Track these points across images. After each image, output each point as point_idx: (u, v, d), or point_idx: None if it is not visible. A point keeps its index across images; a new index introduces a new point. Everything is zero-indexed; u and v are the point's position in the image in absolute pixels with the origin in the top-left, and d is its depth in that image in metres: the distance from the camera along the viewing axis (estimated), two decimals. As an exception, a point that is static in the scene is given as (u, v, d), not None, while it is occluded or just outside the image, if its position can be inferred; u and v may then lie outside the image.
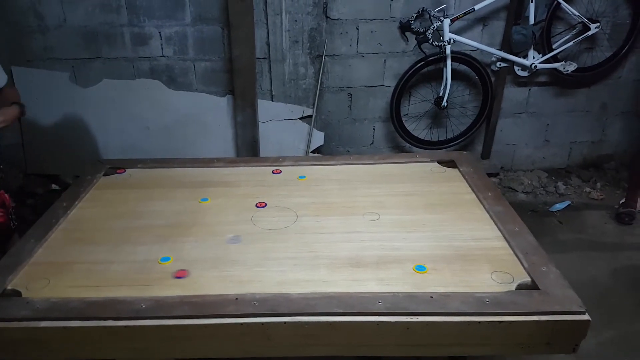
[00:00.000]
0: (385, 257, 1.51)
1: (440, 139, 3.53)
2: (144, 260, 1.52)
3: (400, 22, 3.21)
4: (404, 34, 3.25)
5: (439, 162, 2.15)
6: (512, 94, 3.50)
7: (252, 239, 1.62)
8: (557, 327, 1.26)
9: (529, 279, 1.39)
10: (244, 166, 2.18)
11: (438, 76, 3.30)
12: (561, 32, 3.28)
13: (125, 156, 3.21)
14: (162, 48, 3.23)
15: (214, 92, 3.36)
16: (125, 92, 3.31)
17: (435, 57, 3.15)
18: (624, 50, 3.32)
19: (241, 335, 1.29)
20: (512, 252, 1.52)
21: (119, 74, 3.28)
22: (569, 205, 3.37)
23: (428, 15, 3.11)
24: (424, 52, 3.17)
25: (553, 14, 3.19)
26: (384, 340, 1.30)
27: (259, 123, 3.36)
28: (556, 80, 3.45)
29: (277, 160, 2.20)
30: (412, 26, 3.14)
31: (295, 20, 3.16)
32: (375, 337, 1.29)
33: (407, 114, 3.48)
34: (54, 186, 3.47)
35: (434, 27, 3.04)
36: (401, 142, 3.57)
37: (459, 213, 1.75)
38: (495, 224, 1.66)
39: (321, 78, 3.31)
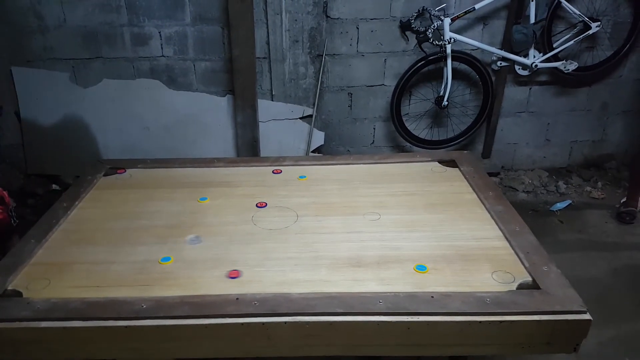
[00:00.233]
0: (385, 257, 1.51)
1: (440, 139, 3.53)
2: (145, 261, 1.52)
3: (401, 21, 3.21)
4: (404, 33, 3.24)
5: (440, 162, 2.14)
6: (512, 93, 3.50)
7: (252, 239, 1.62)
8: (558, 326, 1.26)
9: (530, 279, 1.39)
10: (244, 166, 2.18)
11: (438, 75, 3.30)
12: (562, 31, 3.28)
13: (126, 156, 3.22)
14: (162, 48, 3.23)
15: (214, 92, 3.36)
16: (125, 92, 3.31)
17: (436, 56, 3.15)
18: (624, 49, 3.31)
19: (242, 336, 1.29)
20: (512, 251, 1.52)
21: (119, 74, 3.28)
22: (569, 204, 3.36)
23: (428, 15, 3.11)
24: (424, 52, 3.17)
25: (554, 13, 3.18)
26: (384, 340, 1.30)
27: (259, 123, 3.36)
28: (557, 79, 3.45)
29: (278, 160, 2.20)
30: (413, 25, 3.14)
31: (295, 20, 3.15)
32: (375, 337, 1.29)
33: (407, 114, 3.47)
34: (54, 186, 3.47)
35: (434, 27, 3.04)
36: (402, 141, 3.57)
37: (460, 213, 1.75)
38: (496, 224, 1.66)
39: (321, 78, 3.31)
